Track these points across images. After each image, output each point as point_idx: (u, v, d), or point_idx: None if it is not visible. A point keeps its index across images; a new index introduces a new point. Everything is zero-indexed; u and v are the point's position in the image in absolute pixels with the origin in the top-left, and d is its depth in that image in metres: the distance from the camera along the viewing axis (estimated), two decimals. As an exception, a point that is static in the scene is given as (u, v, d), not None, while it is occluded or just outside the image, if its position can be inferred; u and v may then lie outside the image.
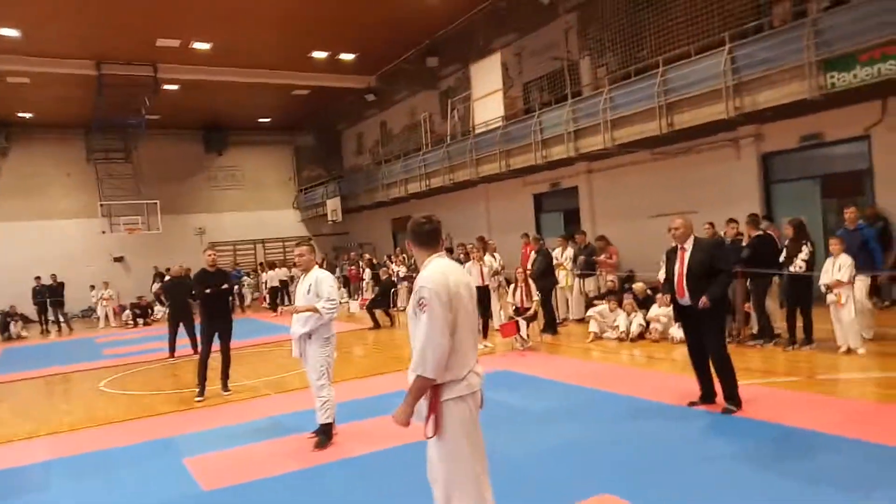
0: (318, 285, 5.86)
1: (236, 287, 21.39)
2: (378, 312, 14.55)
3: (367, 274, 19.45)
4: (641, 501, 4.09)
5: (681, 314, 6.24)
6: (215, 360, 8.29)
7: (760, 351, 8.50)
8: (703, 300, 5.75)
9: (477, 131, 16.96)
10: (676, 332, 9.44)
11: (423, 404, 3.00)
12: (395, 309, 15.27)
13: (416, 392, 2.95)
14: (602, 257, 12.38)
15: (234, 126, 26.83)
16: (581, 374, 8.00)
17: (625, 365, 8.70)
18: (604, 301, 10.89)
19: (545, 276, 11.29)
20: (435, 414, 2.98)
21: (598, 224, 15.19)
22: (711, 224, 10.06)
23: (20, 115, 22.32)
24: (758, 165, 12.32)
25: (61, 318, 20.12)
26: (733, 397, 5.84)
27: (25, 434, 7.29)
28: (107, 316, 20.81)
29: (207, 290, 8.19)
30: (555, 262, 12.84)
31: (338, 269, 22.59)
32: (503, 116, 16.22)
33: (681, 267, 6.00)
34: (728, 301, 6.33)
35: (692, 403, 6.09)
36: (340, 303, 19.54)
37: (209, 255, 8.65)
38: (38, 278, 20.13)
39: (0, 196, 23.41)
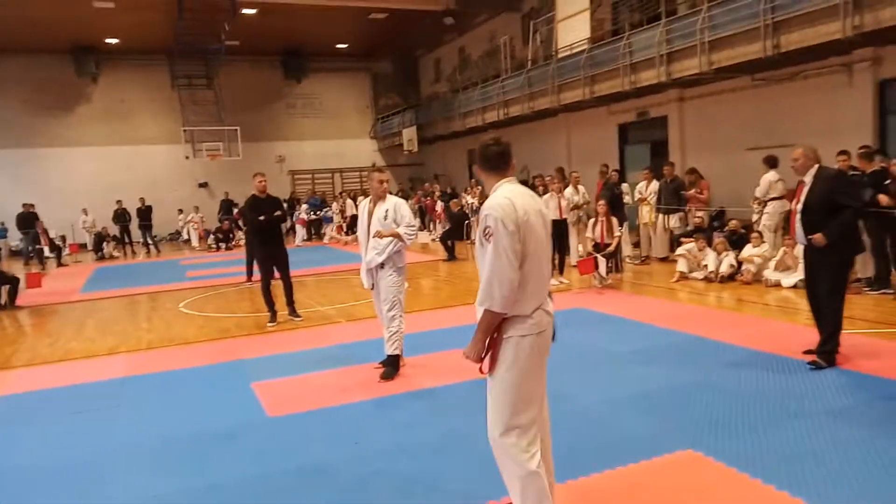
0: (396, 211, 5.67)
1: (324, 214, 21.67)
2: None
3: (440, 206, 19.19)
4: (727, 460, 3.69)
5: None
6: (278, 286, 8.27)
7: (869, 298, 7.74)
8: (819, 236, 5.01)
9: (560, 55, 16.02)
10: (771, 274, 8.76)
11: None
12: (468, 241, 15.01)
13: (485, 327, 2.75)
14: (692, 192, 11.58)
15: (312, 52, 26.56)
16: (663, 316, 7.50)
17: (712, 307, 8.12)
18: (692, 239, 10.22)
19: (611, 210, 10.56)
20: (493, 350, 2.75)
21: (688, 157, 14.21)
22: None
23: (107, 41, 22.79)
24: (873, 93, 11.00)
25: (149, 241, 21.02)
26: (827, 353, 5.20)
27: (107, 350, 7.54)
28: (190, 238, 21.56)
29: (261, 218, 8.00)
30: (637, 196, 12.19)
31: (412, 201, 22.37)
32: (589, 38, 15.21)
33: (796, 202, 5.26)
34: (855, 244, 5.47)
35: (808, 352, 5.38)
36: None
37: (259, 182, 8.08)
38: (119, 202, 21.09)
39: (92, 121, 24.31)
